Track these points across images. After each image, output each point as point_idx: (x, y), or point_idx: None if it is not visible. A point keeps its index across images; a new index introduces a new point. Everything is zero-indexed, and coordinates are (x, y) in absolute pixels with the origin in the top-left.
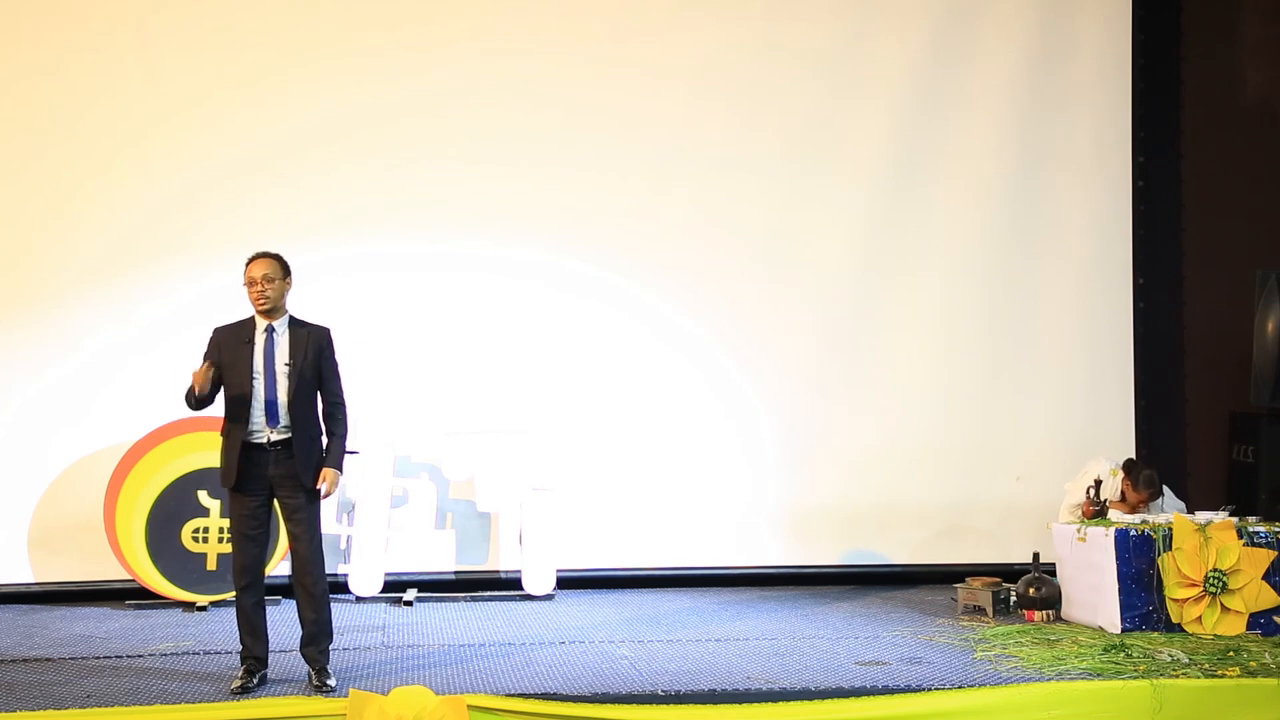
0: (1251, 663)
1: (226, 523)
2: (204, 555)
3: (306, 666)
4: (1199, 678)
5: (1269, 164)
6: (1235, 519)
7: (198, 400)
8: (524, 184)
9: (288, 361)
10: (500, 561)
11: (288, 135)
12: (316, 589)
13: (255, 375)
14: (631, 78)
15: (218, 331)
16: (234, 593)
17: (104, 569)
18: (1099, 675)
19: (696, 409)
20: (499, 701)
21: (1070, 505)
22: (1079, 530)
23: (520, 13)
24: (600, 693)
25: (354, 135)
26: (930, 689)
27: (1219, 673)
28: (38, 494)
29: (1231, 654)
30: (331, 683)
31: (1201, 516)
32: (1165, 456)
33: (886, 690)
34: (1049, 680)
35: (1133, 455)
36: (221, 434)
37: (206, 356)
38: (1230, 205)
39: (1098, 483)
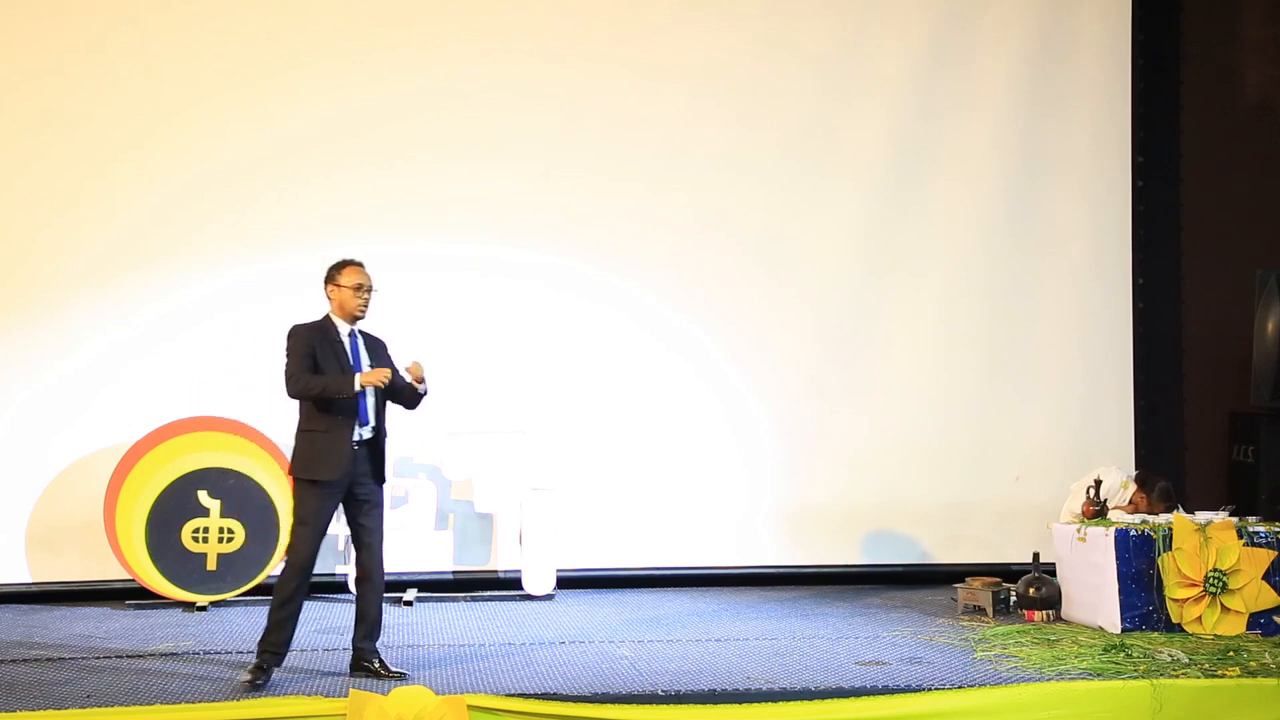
0: (1251, 663)
1: (226, 523)
2: (204, 555)
3: (358, 661)
4: (1199, 678)
5: (1268, 164)
6: (1235, 519)
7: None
8: (524, 184)
9: (370, 367)
10: (500, 561)
11: (288, 136)
12: (382, 583)
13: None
14: (631, 79)
15: (304, 329)
16: (234, 592)
17: (104, 569)
18: (1099, 675)
19: (696, 409)
20: (499, 701)
21: (1071, 509)
22: (1079, 530)
23: (520, 13)
24: (600, 693)
25: (354, 136)
26: (930, 689)
27: (1219, 673)
28: (37, 494)
29: (1231, 654)
30: (397, 670)
31: (1201, 516)
32: (1165, 456)
33: (886, 690)
34: (1049, 680)
35: (1133, 456)
36: (309, 430)
37: (298, 350)
38: (1230, 205)
39: (1097, 483)
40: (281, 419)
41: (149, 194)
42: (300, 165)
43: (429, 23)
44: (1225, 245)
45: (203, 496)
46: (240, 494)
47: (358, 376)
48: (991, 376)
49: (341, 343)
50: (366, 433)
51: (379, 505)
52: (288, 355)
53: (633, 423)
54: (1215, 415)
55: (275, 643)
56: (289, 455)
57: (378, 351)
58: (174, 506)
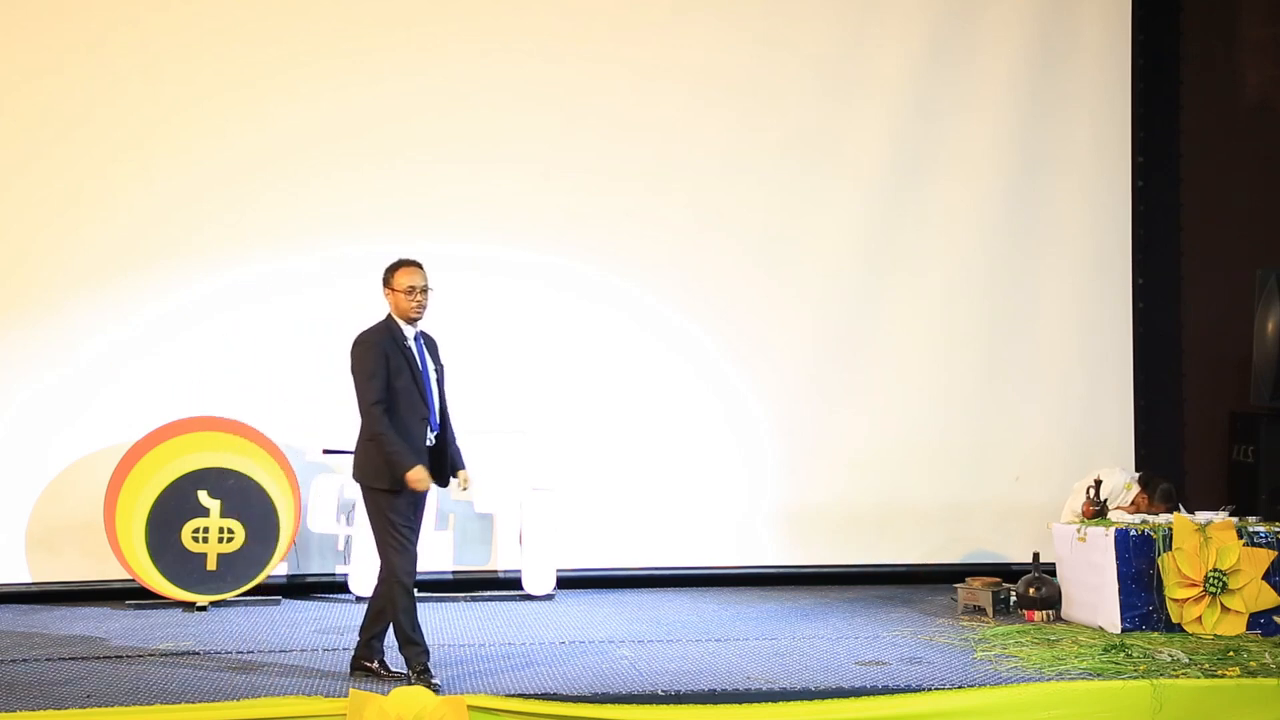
0: (1251, 663)
1: (226, 523)
2: (204, 555)
3: (359, 660)
4: (1199, 678)
5: (1268, 164)
6: (1235, 519)
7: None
8: (524, 184)
9: (434, 368)
10: (500, 561)
11: (288, 136)
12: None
13: (423, 381)
14: (631, 79)
15: (374, 337)
16: (234, 592)
17: (104, 569)
18: (1099, 675)
19: (696, 409)
20: (499, 701)
21: (1073, 508)
22: (1079, 530)
23: (520, 13)
24: (600, 693)
25: (354, 136)
26: (930, 689)
27: (1219, 673)
28: (37, 494)
29: (1231, 654)
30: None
31: (1201, 516)
32: (1165, 456)
33: (886, 690)
34: (1049, 680)
35: (1133, 456)
36: (381, 438)
37: (373, 366)
38: (1229, 205)
39: (1097, 482)
40: (281, 419)
41: (149, 194)
42: (300, 165)
43: (429, 23)
44: (1225, 245)
45: (203, 496)
46: (240, 494)
47: (415, 470)
48: (991, 376)
49: (410, 348)
50: (433, 438)
51: (424, 507)
52: (357, 374)
53: (632, 423)
54: (1215, 415)
55: (419, 641)
56: (290, 457)
57: (435, 352)
58: (174, 506)
